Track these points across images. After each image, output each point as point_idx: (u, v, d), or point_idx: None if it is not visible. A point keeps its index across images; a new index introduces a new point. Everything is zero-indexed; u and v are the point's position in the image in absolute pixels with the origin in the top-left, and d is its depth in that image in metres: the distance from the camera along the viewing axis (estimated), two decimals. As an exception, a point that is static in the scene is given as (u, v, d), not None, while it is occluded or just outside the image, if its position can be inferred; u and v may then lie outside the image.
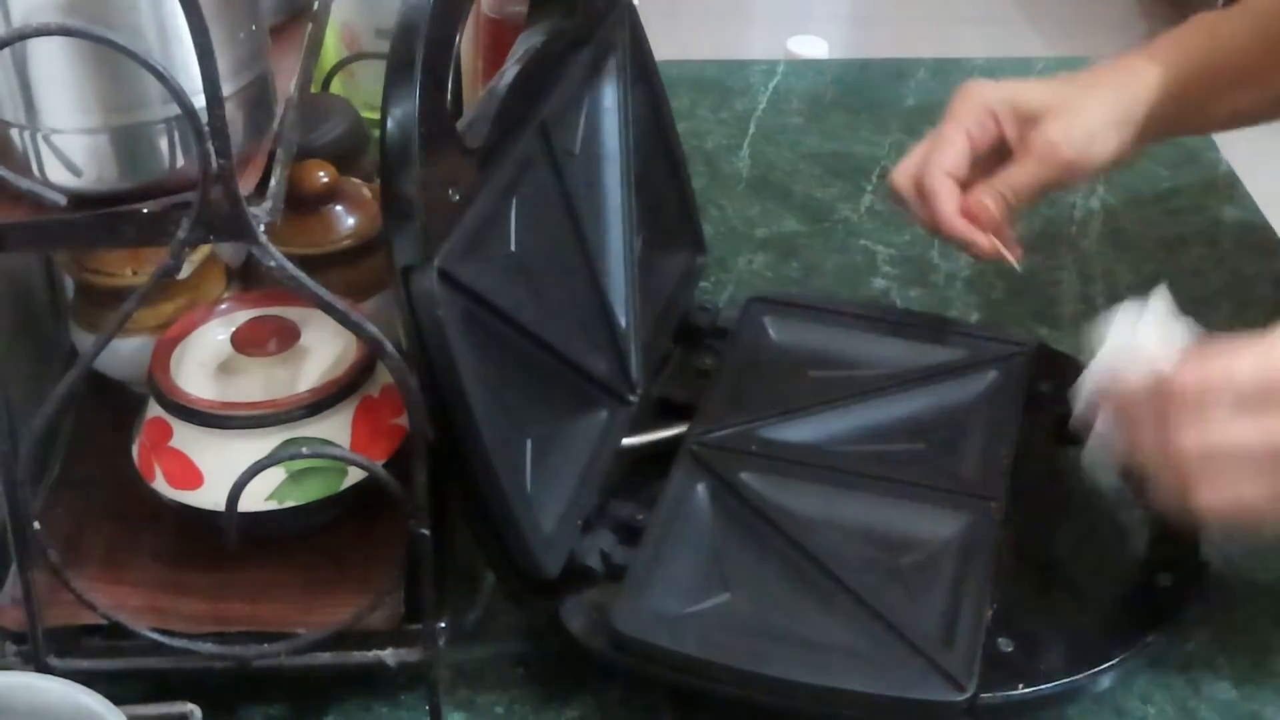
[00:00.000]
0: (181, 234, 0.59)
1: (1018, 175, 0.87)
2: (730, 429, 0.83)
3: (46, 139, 0.58)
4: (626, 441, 0.83)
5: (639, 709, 0.75)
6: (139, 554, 0.77)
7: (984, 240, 0.86)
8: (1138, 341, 0.74)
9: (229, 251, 0.88)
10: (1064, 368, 0.89)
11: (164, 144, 0.59)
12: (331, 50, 1.07)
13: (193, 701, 0.69)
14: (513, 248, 0.76)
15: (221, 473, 0.70)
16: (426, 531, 0.67)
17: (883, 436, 0.85)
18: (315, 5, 0.75)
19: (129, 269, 0.81)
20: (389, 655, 0.72)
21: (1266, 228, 1.14)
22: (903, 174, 0.89)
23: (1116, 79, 0.90)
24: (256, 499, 0.72)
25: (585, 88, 0.84)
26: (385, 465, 0.71)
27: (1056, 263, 1.09)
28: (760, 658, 0.71)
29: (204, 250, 0.84)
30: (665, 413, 0.86)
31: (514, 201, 0.76)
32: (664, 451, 0.83)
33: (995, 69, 1.34)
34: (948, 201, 0.86)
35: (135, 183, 0.59)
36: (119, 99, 0.58)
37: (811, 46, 1.48)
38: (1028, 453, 0.83)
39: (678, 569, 0.76)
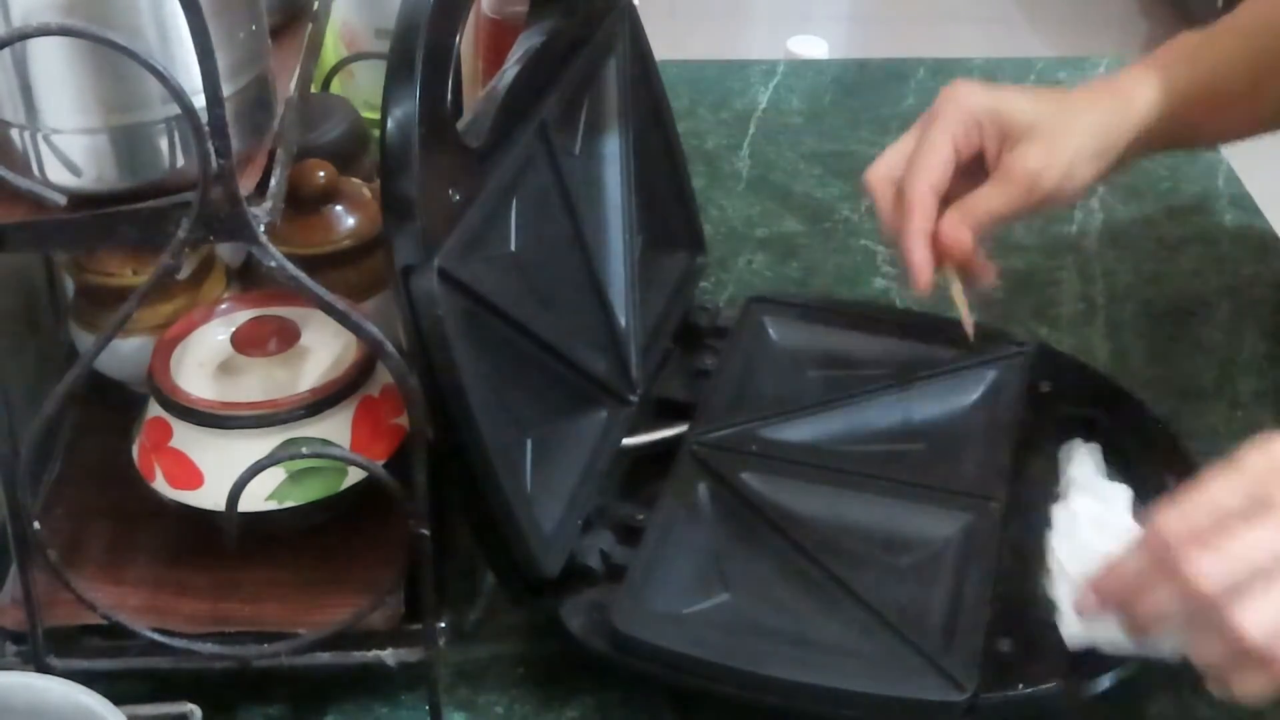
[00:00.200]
0: (181, 234, 0.59)
1: (993, 200, 0.84)
2: (730, 429, 0.83)
3: (46, 139, 0.58)
4: (626, 441, 0.83)
5: (639, 709, 0.75)
6: (139, 554, 0.77)
7: (927, 282, 0.83)
8: (1085, 536, 0.73)
9: (229, 251, 0.88)
10: (1064, 368, 0.89)
11: (164, 144, 0.59)
12: (331, 50, 1.07)
13: (193, 701, 0.69)
14: (513, 248, 0.76)
15: (221, 473, 0.70)
16: (426, 531, 0.67)
17: (883, 436, 0.85)
18: (315, 5, 0.75)
19: (129, 269, 0.81)
20: (389, 655, 0.72)
21: (1266, 228, 1.14)
22: (881, 174, 0.87)
23: (1105, 104, 0.87)
24: (256, 499, 0.72)
25: (585, 88, 0.84)
26: (385, 465, 0.71)
27: (1056, 263, 1.09)
28: (760, 658, 0.71)
29: (204, 250, 0.84)
30: (665, 413, 0.86)
31: (514, 201, 0.76)
32: (664, 451, 0.83)
33: (995, 69, 1.34)
34: (924, 221, 0.83)
35: (135, 183, 0.59)
36: (119, 99, 0.58)
37: (811, 46, 1.48)
38: (1028, 453, 0.83)
39: (678, 569, 0.76)
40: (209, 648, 0.70)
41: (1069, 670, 0.71)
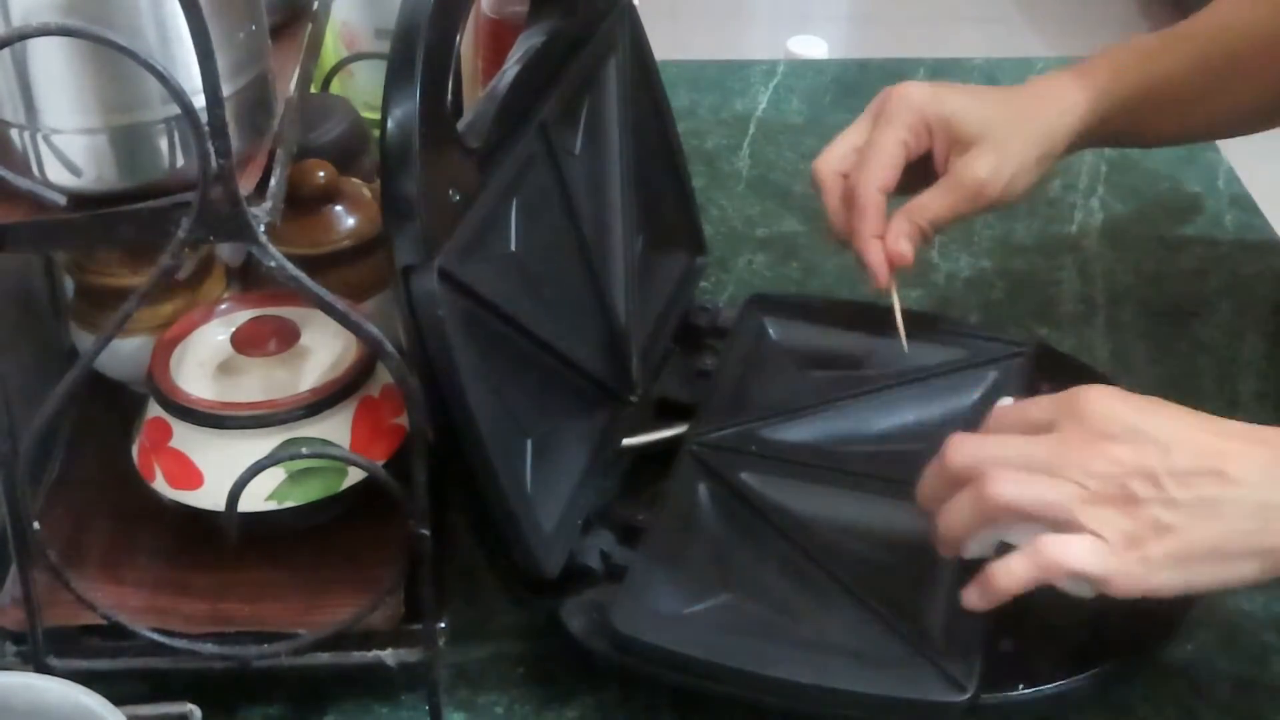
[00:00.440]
0: (181, 234, 0.59)
1: (938, 205, 0.87)
2: (730, 429, 0.83)
3: (46, 139, 0.58)
4: (626, 441, 0.83)
5: (639, 709, 0.75)
6: (139, 554, 0.77)
7: (885, 281, 0.87)
8: None
9: (229, 251, 0.88)
10: (1064, 368, 0.89)
11: (164, 144, 0.59)
12: (331, 50, 1.07)
13: (193, 701, 0.69)
14: (513, 248, 0.76)
15: (221, 473, 0.70)
16: (426, 531, 0.67)
17: (883, 436, 0.85)
18: (315, 5, 0.75)
19: (129, 269, 0.81)
20: (389, 655, 0.72)
21: (1266, 228, 1.14)
22: (829, 166, 0.89)
23: (1051, 109, 0.89)
24: (256, 499, 0.72)
25: (585, 88, 0.84)
26: (385, 465, 0.71)
27: (1056, 263, 1.09)
28: (760, 658, 0.71)
29: (204, 250, 0.84)
30: (665, 413, 0.86)
31: (514, 201, 0.76)
32: (664, 451, 0.83)
33: (995, 69, 1.34)
34: (874, 224, 0.86)
35: (135, 183, 0.59)
36: (119, 99, 0.58)
37: (811, 46, 1.48)
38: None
39: (678, 569, 0.76)
40: (209, 648, 0.70)
41: (1069, 670, 0.71)
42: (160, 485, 0.74)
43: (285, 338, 0.77)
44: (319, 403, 0.73)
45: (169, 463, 0.74)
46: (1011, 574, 0.66)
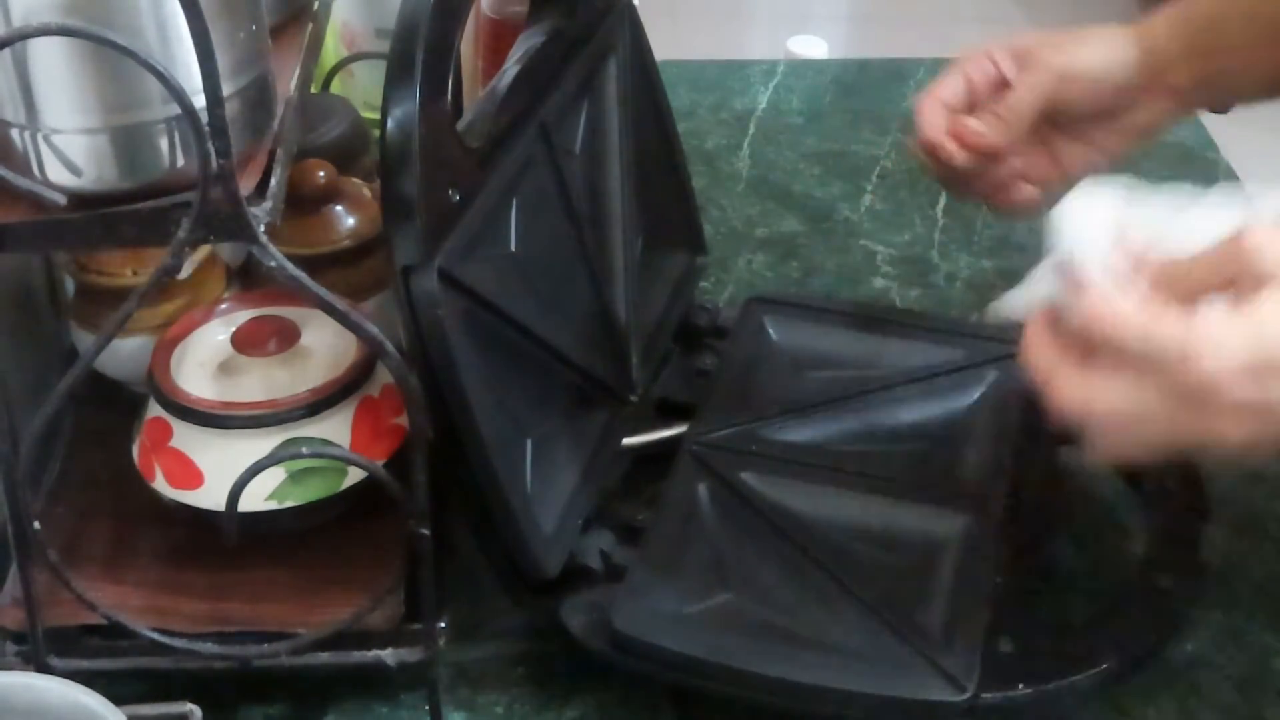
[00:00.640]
0: (181, 234, 0.59)
1: (1014, 93, 0.84)
2: (730, 429, 0.83)
3: (46, 139, 0.58)
4: (626, 441, 0.83)
5: (639, 709, 0.75)
6: (139, 554, 0.77)
7: (951, 146, 0.83)
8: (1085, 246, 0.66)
9: (229, 251, 0.88)
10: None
11: (164, 144, 0.59)
12: (331, 50, 1.07)
13: (193, 701, 0.69)
14: (513, 248, 0.76)
15: (221, 473, 0.70)
16: (426, 531, 0.67)
17: (883, 436, 0.85)
18: (315, 5, 0.75)
19: (129, 269, 0.81)
20: (389, 655, 0.72)
21: (1266, 228, 1.13)
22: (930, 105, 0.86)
23: (1116, 29, 0.87)
24: (256, 499, 0.72)
25: (585, 88, 0.84)
26: (385, 465, 0.71)
27: (1056, 263, 1.09)
28: (760, 658, 0.71)
29: (204, 250, 0.84)
30: (665, 413, 0.86)
31: (514, 201, 0.76)
32: (664, 451, 0.83)
33: (995, 69, 1.34)
34: (934, 115, 0.84)
35: (135, 183, 0.59)
36: (119, 99, 0.58)
37: (811, 46, 1.48)
38: (1028, 453, 0.83)
39: (678, 569, 0.76)
40: (209, 648, 0.70)
41: (1069, 670, 0.71)
42: (160, 485, 0.74)
43: (285, 338, 0.77)
44: (319, 403, 0.73)
45: (169, 462, 0.74)
46: None
